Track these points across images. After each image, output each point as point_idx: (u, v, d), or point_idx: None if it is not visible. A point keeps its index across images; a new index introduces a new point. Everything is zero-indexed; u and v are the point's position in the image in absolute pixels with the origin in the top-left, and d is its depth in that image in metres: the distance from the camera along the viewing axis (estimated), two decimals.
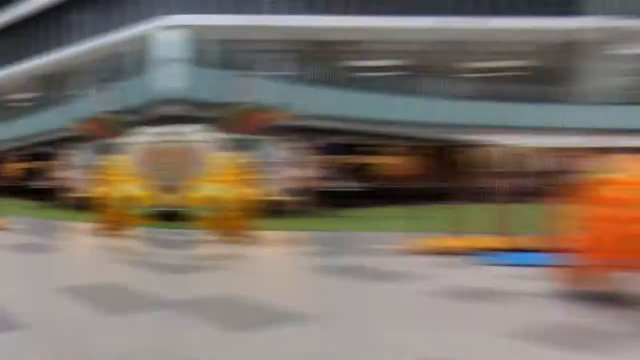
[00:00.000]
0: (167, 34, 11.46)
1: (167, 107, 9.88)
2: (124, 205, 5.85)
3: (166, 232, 5.74)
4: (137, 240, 5.54)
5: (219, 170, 5.53)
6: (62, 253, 5.19)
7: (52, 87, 21.27)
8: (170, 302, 2.53)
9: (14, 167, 21.81)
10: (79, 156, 11.24)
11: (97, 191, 6.51)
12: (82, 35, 17.99)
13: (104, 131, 9.59)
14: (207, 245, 5.03)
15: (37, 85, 22.63)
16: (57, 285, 2.99)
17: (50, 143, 15.60)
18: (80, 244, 6.09)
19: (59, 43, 19.36)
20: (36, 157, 19.00)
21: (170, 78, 10.09)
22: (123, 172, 6.34)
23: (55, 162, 14.01)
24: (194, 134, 8.07)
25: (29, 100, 23.09)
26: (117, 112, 10.06)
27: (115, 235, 5.75)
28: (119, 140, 9.09)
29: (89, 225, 6.46)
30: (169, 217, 6.18)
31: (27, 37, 21.31)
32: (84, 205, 8.81)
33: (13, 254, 4.63)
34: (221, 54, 13.11)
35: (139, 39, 13.58)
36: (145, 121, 9.52)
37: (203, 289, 3.02)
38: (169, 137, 8.18)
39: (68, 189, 11.30)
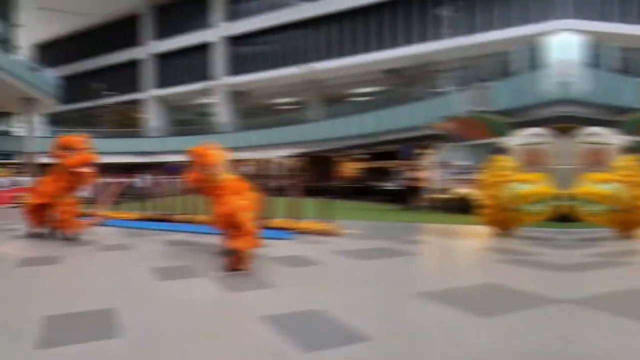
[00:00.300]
0: (563, 38, 10.50)
1: (558, 109, 9.00)
2: (512, 206, 5.50)
3: (553, 232, 5.42)
4: (520, 240, 5.22)
5: (622, 171, 5.44)
6: (426, 256, 4.89)
7: (404, 82, 21.64)
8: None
9: (353, 167, 20.14)
10: (439, 156, 11.01)
11: (477, 193, 6.41)
12: (454, 31, 17.63)
13: (473, 131, 9.83)
14: (601, 243, 4.93)
15: (383, 79, 23.21)
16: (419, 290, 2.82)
17: (396, 141, 15.17)
18: (449, 247, 5.67)
19: (423, 37, 19.70)
20: (379, 156, 17.82)
21: (564, 80, 9.17)
22: (510, 172, 5.93)
23: (404, 162, 13.41)
24: (601, 136, 7.51)
25: (370, 94, 23.41)
26: (488, 112, 10.10)
27: (502, 236, 5.50)
28: (490, 140, 9.08)
29: (453, 227, 6.53)
30: (563, 217, 5.78)
31: (378, 27, 21.32)
32: (444, 207, 9.28)
33: (350, 259, 4.12)
34: (621, 61, 12.38)
35: (526, 40, 13.30)
36: (523, 123, 8.99)
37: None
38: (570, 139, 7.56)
39: (424, 190, 10.67)
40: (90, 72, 31.96)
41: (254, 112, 33.05)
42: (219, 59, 26.53)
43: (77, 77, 32.78)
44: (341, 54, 22.35)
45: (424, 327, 2.17)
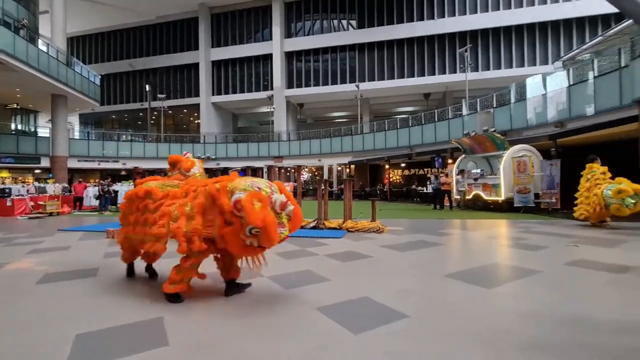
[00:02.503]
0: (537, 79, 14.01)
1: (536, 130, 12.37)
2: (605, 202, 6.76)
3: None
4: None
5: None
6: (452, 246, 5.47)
7: (436, 105, 27.41)
8: None
9: (396, 174, 25.45)
10: (460, 165, 13.53)
11: (486, 194, 9.73)
12: (471, 67, 22.45)
13: (482, 146, 13.15)
14: None
15: (420, 101, 29.32)
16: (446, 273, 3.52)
17: (430, 152, 18.88)
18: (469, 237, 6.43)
19: (448, 69, 25.63)
20: (417, 164, 23.16)
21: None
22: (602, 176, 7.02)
23: (436, 169, 17.26)
24: None
25: (412, 113, 27.31)
26: (492, 131, 13.51)
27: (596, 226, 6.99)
28: (494, 153, 12.47)
29: (476, 221, 8.79)
30: None
31: (418, 57, 26.53)
32: (465, 206, 12.66)
33: (392, 251, 4.92)
34: None
35: (520, 79, 16.82)
36: (513, 140, 12.43)
37: None
38: None
39: (451, 193, 13.17)
40: (137, 72, 32.00)
41: (310, 123, 36.43)
42: (277, 71, 28.80)
43: (122, 76, 33.02)
44: (384, 77, 27.22)
45: (449, 302, 2.77)
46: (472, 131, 14.75)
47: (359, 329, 2.29)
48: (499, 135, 12.39)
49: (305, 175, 28.77)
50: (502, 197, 11.31)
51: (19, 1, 18.74)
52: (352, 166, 26.92)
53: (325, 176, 27.51)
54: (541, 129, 13.22)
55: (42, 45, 18.12)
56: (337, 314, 2.57)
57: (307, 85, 29.13)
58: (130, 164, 25.16)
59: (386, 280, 3.50)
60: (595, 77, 11.41)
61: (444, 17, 26.01)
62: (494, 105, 16.15)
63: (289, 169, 27.35)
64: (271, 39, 29.35)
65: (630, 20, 11.51)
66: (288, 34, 29.67)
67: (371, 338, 2.18)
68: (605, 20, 22.33)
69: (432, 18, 26.24)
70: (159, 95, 28.58)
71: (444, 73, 25.99)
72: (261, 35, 30.24)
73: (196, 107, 31.35)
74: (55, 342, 2.17)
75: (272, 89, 29.20)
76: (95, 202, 14.80)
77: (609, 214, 6.92)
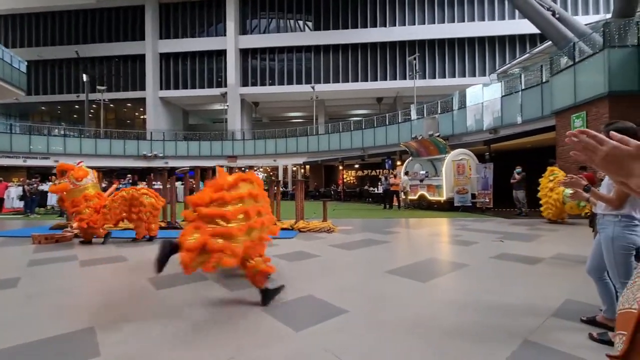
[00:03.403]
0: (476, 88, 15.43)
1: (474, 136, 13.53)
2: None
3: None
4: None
5: None
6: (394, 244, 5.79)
7: (387, 109, 28.71)
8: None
9: (348, 174, 26.10)
10: (407, 166, 14.34)
11: (429, 194, 10.55)
12: (418, 74, 24.07)
13: (427, 149, 14.07)
14: None
15: (373, 104, 30.50)
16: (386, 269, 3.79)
17: (381, 154, 20.11)
18: (414, 234, 6.94)
19: (398, 75, 27.00)
20: (368, 166, 23.97)
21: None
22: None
23: (386, 171, 18.29)
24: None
25: (365, 115, 28.39)
26: (435, 136, 14.54)
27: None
28: (436, 157, 13.42)
29: (420, 220, 9.90)
30: None
31: (371, 62, 27.38)
32: (410, 206, 13.38)
33: (340, 250, 5.08)
34: None
35: (461, 88, 18.33)
36: (454, 145, 13.52)
37: None
38: None
39: (398, 193, 13.82)
40: (74, 60, 28.21)
41: (266, 122, 35.88)
42: (231, 67, 27.94)
43: (55, 64, 29.78)
44: (339, 79, 27.70)
45: (387, 296, 2.96)
46: (419, 135, 15.67)
47: (300, 326, 2.38)
48: (441, 139, 13.34)
49: (260, 176, 28.37)
50: (443, 197, 12.20)
51: None
52: (307, 167, 27.13)
53: (281, 176, 27.38)
54: (478, 135, 14.48)
55: None
56: (281, 313, 2.64)
57: (263, 84, 28.76)
58: (63, 161, 22.79)
59: (331, 278, 3.64)
60: (522, 90, 12.78)
61: (395, 25, 27.32)
62: (439, 112, 17.35)
63: (242, 169, 26.75)
64: (225, 35, 28.49)
65: (550, 42, 13.10)
66: (243, 30, 29.03)
67: (312, 334, 2.27)
68: (532, 39, 25.06)
69: (385, 25, 27.42)
70: (98, 87, 26.33)
71: (395, 79, 27.28)
72: (214, 29, 29.18)
73: (142, 101, 29.24)
74: None
75: (225, 86, 28.35)
76: (19, 204, 13.22)
77: (566, 212, 7.91)
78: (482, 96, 14.67)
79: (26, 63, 21.28)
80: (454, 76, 26.54)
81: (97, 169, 7.41)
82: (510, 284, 3.43)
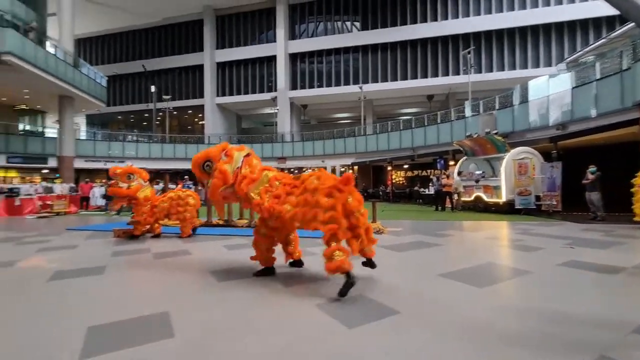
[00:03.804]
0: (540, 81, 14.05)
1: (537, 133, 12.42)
2: None
3: None
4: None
5: None
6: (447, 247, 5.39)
7: (440, 106, 27.45)
8: None
9: (398, 175, 25.60)
10: (461, 166, 13.67)
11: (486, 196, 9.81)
12: (473, 69, 22.56)
13: (483, 148, 13.23)
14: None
15: (424, 102, 29.43)
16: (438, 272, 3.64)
17: (432, 154, 19.26)
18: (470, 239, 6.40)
19: (451, 71, 25.74)
20: (419, 166, 23.12)
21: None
22: None
23: (438, 171, 17.17)
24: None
25: (415, 114, 27.33)
26: (493, 134, 13.59)
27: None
28: (494, 156, 12.55)
29: (474, 223, 9.01)
30: None
31: (422, 59, 26.78)
32: (465, 208, 12.72)
33: (390, 251, 4.94)
34: None
35: (522, 81, 16.89)
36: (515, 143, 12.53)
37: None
38: None
39: (452, 194, 13.00)
40: (144, 73, 31.73)
41: (314, 124, 36.65)
42: (281, 72, 29.06)
43: (128, 78, 33.53)
44: (387, 78, 27.33)
45: (439, 299, 2.87)
46: (475, 133, 14.81)
47: (353, 323, 2.43)
48: (499, 137, 12.46)
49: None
50: (502, 199, 11.38)
51: (28, 4, 19.21)
52: (355, 167, 27.04)
53: None
54: (543, 132, 13.27)
55: (50, 47, 18.56)
56: (333, 309, 2.72)
57: (311, 86, 29.33)
58: (136, 165, 25.45)
59: (381, 279, 3.62)
60: (598, 79, 11.45)
61: (447, 19, 26.11)
62: (497, 107, 16.21)
63: (292, 170, 27.51)
64: (275, 41, 29.58)
65: (632, 24, 11.53)
66: (292, 35, 29.91)
67: (364, 332, 2.31)
68: (610, 23, 22.27)
69: (436, 20, 26.34)
70: (164, 97, 29.03)
71: (447, 75, 26.10)
72: (265, 36, 30.55)
73: (201, 108, 31.71)
74: (70, 334, 2.35)
75: (276, 90, 29.44)
76: (102, 202, 15.06)
77: None
78: (548, 88, 13.42)
79: (106, 78, 24.29)
80: (513, 68, 24.59)
81: (165, 171, 8.25)
82: (581, 294, 3.13)
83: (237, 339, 2.24)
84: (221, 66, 31.48)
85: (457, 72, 25.54)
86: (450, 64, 26.01)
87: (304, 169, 26.08)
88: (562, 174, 10.33)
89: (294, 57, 29.78)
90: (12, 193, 13.22)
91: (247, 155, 3.67)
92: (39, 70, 16.82)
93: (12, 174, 22.09)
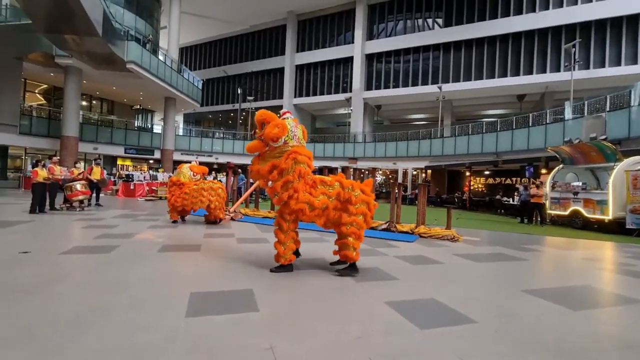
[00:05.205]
0: None
1: None
2: None
3: None
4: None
5: None
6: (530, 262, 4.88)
7: (532, 107, 24.59)
8: None
9: (477, 181, 23.49)
10: (556, 176, 12.01)
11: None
12: (574, 64, 19.23)
13: (587, 156, 11.44)
14: None
15: (512, 102, 26.51)
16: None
17: (519, 160, 17.34)
18: (559, 256, 5.73)
19: (547, 68, 22.72)
20: (502, 173, 20.98)
21: None
22: None
23: (525, 179, 15.28)
24: None
25: (501, 116, 24.88)
26: (602, 140, 11.64)
27: None
28: (601, 165, 10.79)
29: (567, 240, 7.48)
30: None
31: (512, 55, 24.01)
32: (559, 222, 11.20)
33: (465, 260, 4.80)
34: None
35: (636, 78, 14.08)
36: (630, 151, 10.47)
37: None
38: None
39: (542, 206, 11.71)
40: (231, 77, 34.99)
41: (387, 125, 36.45)
42: (357, 73, 29.14)
43: (219, 81, 37.01)
44: (470, 77, 25.44)
45: (523, 315, 2.70)
46: (576, 138, 12.91)
47: (425, 325, 2.45)
48: (609, 144, 10.65)
49: (378, 178, 28.54)
50: (609, 216, 9.75)
51: (146, 19, 22.82)
52: (429, 171, 25.79)
53: (400, 180, 26.90)
54: None
55: (160, 56, 21.71)
56: (404, 309, 2.75)
57: (386, 86, 28.83)
58: (221, 159, 28.29)
59: (455, 286, 3.51)
60: None
61: (547, 9, 23.13)
62: (607, 109, 13.89)
63: (363, 170, 27.43)
64: (353, 42, 29.81)
65: None
66: (370, 36, 29.77)
67: (437, 335, 2.32)
68: None
69: (533, 10, 23.53)
70: (248, 98, 31.17)
71: (544, 72, 23.08)
72: (343, 38, 30.99)
73: (280, 108, 32.92)
74: (177, 296, 2.85)
75: (350, 91, 29.66)
76: None
77: None
78: None
79: (202, 81, 27.52)
80: (634, 62, 20.66)
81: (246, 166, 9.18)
82: None
83: (314, 321, 2.44)
84: (299, 68, 32.51)
85: (556, 69, 22.46)
86: (549, 60, 22.93)
87: (377, 170, 25.84)
88: None
89: (370, 58, 29.57)
90: (128, 178, 15.89)
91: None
92: (153, 76, 19.91)
93: (128, 162, 26.51)
